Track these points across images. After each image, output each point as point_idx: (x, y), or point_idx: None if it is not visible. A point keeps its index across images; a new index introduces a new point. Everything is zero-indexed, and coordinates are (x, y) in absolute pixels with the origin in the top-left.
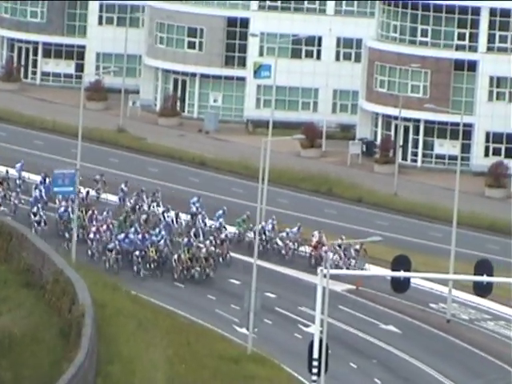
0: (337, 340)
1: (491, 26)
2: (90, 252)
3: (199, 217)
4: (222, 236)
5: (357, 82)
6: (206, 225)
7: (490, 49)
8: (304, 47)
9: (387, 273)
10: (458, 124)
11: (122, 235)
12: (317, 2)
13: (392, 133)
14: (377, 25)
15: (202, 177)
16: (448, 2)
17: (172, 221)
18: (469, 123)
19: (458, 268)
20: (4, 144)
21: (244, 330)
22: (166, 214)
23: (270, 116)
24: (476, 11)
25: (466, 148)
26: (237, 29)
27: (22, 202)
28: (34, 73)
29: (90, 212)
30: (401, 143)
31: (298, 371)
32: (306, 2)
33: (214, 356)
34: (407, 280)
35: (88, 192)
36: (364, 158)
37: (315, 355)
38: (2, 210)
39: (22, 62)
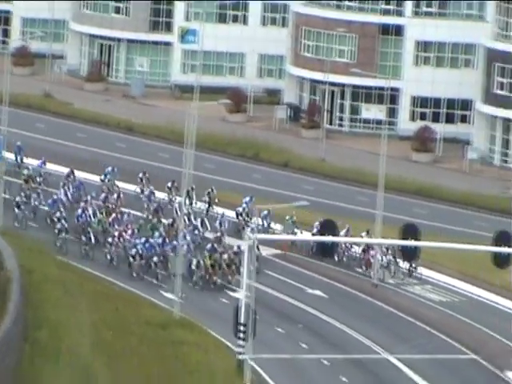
0: (264, 305)
1: None
2: (109, 256)
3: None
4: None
5: (283, 47)
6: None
7: (416, 13)
8: (230, 12)
9: (314, 237)
10: (384, 89)
11: (143, 239)
12: None
13: (318, 98)
14: None
15: (129, 142)
16: None
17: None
18: (395, 88)
19: (384, 232)
20: None
21: (171, 296)
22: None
23: (196, 81)
24: None
25: (392, 112)
26: None
27: (43, 203)
28: None
29: (114, 215)
30: (327, 108)
31: (226, 336)
32: None
33: (141, 322)
34: (334, 244)
35: (119, 194)
36: (290, 122)
37: (241, 320)
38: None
39: None
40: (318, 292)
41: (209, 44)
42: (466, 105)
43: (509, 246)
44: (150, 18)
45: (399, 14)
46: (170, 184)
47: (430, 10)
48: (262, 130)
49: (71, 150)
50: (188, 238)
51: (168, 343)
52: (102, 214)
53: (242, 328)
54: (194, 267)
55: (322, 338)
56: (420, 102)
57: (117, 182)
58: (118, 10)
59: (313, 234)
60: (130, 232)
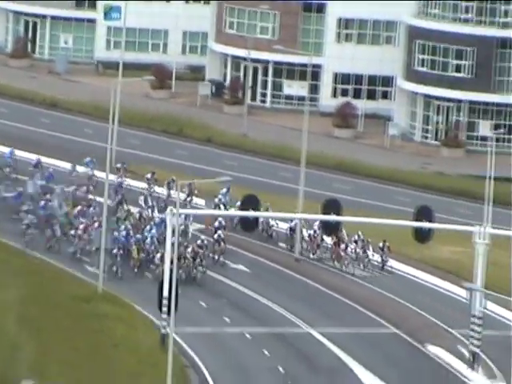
0: (187, 279)
1: None
2: (73, 249)
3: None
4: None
5: (206, 24)
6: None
7: None
8: None
9: (237, 212)
10: (306, 65)
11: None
12: None
13: (241, 74)
14: None
15: (54, 118)
16: None
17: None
18: (317, 64)
19: (306, 207)
20: None
21: (95, 270)
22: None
23: (120, 57)
24: None
25: (314, 89)
26: None
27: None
28: None
29: (79, 207)
30: (250, 84)
31: (149, 310)
32: None
33: (66, 296)
34: (256, 219)
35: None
36: (213, 99)
37: (165, 294)
38: None
39: None
40: (241, 266)
41: (132, 21)
42: (387, 81)
43: (429, 221)
44: None
45: None
46: (149, 175)
47: None
48: (185, 106)
49: None
50: (154, 230)
51: (93, 317)
52: (68, 206)
53: (165, 302)
54: (157, 262)
55: (244, 312)
56: (342, 78)
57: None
58: None
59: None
60: (96, 225)
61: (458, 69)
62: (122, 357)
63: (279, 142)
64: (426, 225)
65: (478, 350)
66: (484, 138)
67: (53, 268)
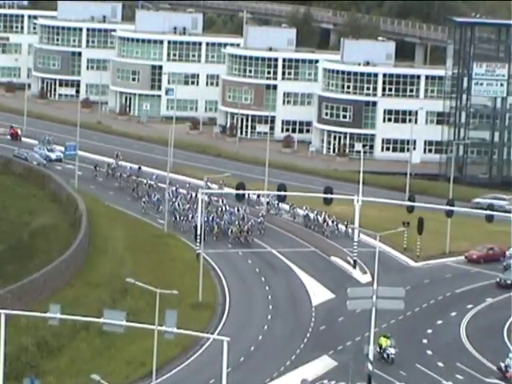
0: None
1: None
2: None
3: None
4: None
5: (216, 95)
6: None
7: None
8: None
9: (234, 191)
10: (268, 116)
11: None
12: None
13: (235, 121)
14: None
15: (141, 145)
16: None
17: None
18: (273, 116)
19: (270, 187)
20: None
21: (163, 221)
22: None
23: (173, 113)
24: None
25: (272, 128)
26: None
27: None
28: None
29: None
30: (240, 126)
31: (190, 241)
32: None
33: (148, 234)
34: (243, 195)
35: None
36: (221, 134)
37: (198, 231)
38: None
39: None
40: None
41: (179, 95)
42: (309, 124)
43: (331, 193)
44: None
45: None
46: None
47: None
48: (207, 138)
49: None
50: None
51: (161, 245)
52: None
53: (198, 236)
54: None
55: (239, 243)
56: (286, 123)
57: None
58: None
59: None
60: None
61: (344, 116)
62: (176, 265)
63: (254, 155)
64: (330, 196)
65: (356, 259)
66: (358, 151)
67: (141, 221)
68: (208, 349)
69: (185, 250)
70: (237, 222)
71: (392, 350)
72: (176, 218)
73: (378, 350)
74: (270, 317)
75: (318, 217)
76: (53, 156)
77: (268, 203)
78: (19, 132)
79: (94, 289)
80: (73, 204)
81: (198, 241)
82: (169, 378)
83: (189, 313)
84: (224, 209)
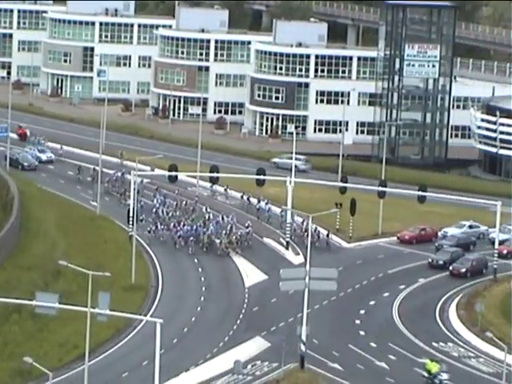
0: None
1: None
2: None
3: None
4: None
5: (148, 77)
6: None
7: None
8: None
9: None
10: (200, 98)
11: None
12: None
13: (167, 103)
14: None
15: (72, 127)
16: None
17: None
18: (206, 97)
19: (202, 169)
20: None
21: (95, 204)
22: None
23: (105, 95)
24: None
25: (204, 110)
26: None
27: None
28: None
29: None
30: (172, 108)
31: (123, 223)
32: None
33: (80, 216)
34: (176, 176)
35: None
36: (153, 116)
37: (130, 214)
38: None
39: None
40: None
41: (111, 77)
42: (242, 105)
43: (264, 175)
44: None
45: None
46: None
47: None
48: (139, 120)
49: None
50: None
51: (94, 227)
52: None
53: (130, 219)
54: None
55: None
56: (218, 104)
57: None
58: None
59: None
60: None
61: (276, 98)
62: (108, 247)
63: (187, 137)
64: (263, 177)
65: (289, 240)
66: (291, 133)
67: (73, 203)
68: (141, 331)
69: (118, 232)
70: (224, 232)
71: (445, 376)
72: (157, 227)
73: (427, 375)
74: (202, 298)
75: (251, 199)
76: (43, 157)
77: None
78: (27, 132)
79: (26, 271)
80: (4, 187)
81: (131, 223)
82: (102, 360)
83: (122, 295)
84: (209, 217)
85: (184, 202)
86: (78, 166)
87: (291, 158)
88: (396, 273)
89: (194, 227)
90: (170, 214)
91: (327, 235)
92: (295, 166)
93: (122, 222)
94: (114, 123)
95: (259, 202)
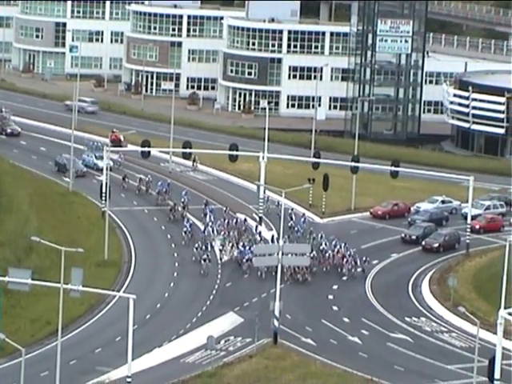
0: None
1: None
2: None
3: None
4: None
5: (122, 53)
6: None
7: None
8: None
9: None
10: (172, 73)
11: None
12: None
13: (140, 79)
14: None
15: (45, 102)
16: None
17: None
18: (178, 73)
19: (175, 145)
20: None
21: (68, 179)
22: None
23: (78, 71)
24: None
25: (177, 85)
26: None
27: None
28: None
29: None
30: (144, 83)
31: (96, 199)
32: None
33: (53, 192)
34: (149, 152)
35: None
36: (126, 92)
37: (103, 190)
38: None
39: None
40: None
41: (83, 52)
42: (215, 81)
43: (236, 150)
44: None
45: None
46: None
47: None
48: (111, 95)
49: None
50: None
51: (67, 202)
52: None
53: (103, 195)
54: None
55: (144, 200)
56: (191, 80)
57: None
58: None
59: None
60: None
61: (249, 73)
62: (81, 222)
63: (159, 112)
64: (236, 153)
65: (262, 216)
66: (263, 108)
67: (46, 179)
68: (114, 306)
69: (90, 208)
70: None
71: None
72: (201, 248)
73: None
74: (176, 274)
75: (224, 174)
76: (100, 164)
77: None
78: (121, 137)
79: None
80: None
81: (104, 198)
82: (75, 335)
83: (94, 271)
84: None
85: (234, 221)
86: (123, 174)
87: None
88: (369, 248)
89: (243, 248)
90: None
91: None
92: (82, 108)
93: (95, 197)
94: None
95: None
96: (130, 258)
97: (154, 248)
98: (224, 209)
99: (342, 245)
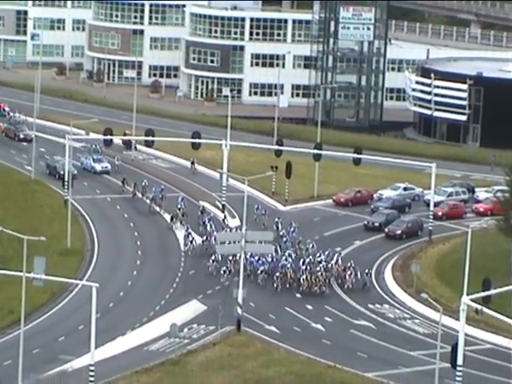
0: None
1: None
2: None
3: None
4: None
5: (83, 41)
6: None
7: None
8: None
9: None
10: (134, 61)
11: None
12: None
13: (102, 67)
14: None
15: (6, 91)
16: None
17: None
18: (140, 61)
19: (137, 132)
20: None
21: (31, 168)
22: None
23: (40, 59)
24: None
25: (139, 73)
26: None
27: None
28: None
29: None
30: (106, 71)
31: (58, 187)
32: None
33: (15, 181)
34: (111, 139)
35: None
36: (88, 80)
37: (65, 178)
38: None
39: None
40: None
41: (45, 40)
42: (177, 68)
43: (199, 138)
44: None
45: None
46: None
47: None
48: (73, 83)
49: None
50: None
51: (29, 191)
52: None
53: (65, 183)
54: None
55: (108, 188)
56: (153, 68)
57: None
58: None
59: None
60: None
61: (211, 61)
62: (44, 211)
63: (122, 100)
64: (198, 140)
65: (225, 203)
66: (226, 96)
67: (7, 167)
68: (77, 295)
69: (53, 197)
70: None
71: None
72: (217, 260)
73: None
74: (139, 262)
75: (187, 162)
76: (98, 167)
77: (136, 148)
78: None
79: None
80: None
81: (66, 187)
82: (38, 324)
83: (57, 259)
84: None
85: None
86: (122, 178)
87: None
88: (332, 235)
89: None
90: None
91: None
92: None
93: (57, 186)
94: (48, 87)
95: (193, 163)
96: (92, 247)
97: (117, 236)
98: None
99: (337, 255)
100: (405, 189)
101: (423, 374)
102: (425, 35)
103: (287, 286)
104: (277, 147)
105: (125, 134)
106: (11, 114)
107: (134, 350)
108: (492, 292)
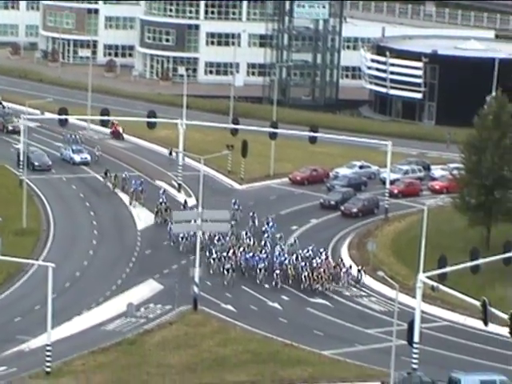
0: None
1: None
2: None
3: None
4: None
5: (37, 21)
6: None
7: None
8: None
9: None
10: (89, 41)
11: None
12: None
13: (57, 46)
14: None
15: None
16: None
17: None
18: (95, 40)
19: (93, 113)
20: None
21: None
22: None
23: None
24: None
25: (94, 53)
26: None
27: None
28: None
29: None
30: (61, 51)
31: (13, 167)
32: None
33: None
34: (67, 120)
35: None
36: (43, 60)
37: (21, 158)
38: None
39: None
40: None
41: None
42: (133, 48)
43: (154, 117)
44: None
45: None
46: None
47: None
48: (28, 63)
49: None
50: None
51: None
52: None
53: (21, 163)
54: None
55: (67, 169)
56: (109, 47)
57: None
58: None
59: None
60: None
61: (166, 40)
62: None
63: (77, 80)
64: (154, 120)
65: (181, 182)
66: (181, 75)
67: None
68: (33, 275)
69: (8, 177)
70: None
71: None
72: (219, 259)
73: None
74: (95, 242)
75: (143, 141)
76: (77, 158)
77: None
78: (120, 130)
79: None
80: None
81: (21, 167)
82: None
83: (13, 239)
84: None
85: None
86: (105, 169)
87: None
88: (288, 214)
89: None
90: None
91: None
92: None
93: (12, 166)
94: (2, 67)
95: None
96: (48, 227)
97: (73, 216)
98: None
99: (325, 252)
100: (361, 167)
101: (380, 351)
102: (380, 13)
103: (288, 283)
104: (233, 126)
105: (113, 125)
106: (70, 136)
107: (91, 330)
108: (448, 269)
